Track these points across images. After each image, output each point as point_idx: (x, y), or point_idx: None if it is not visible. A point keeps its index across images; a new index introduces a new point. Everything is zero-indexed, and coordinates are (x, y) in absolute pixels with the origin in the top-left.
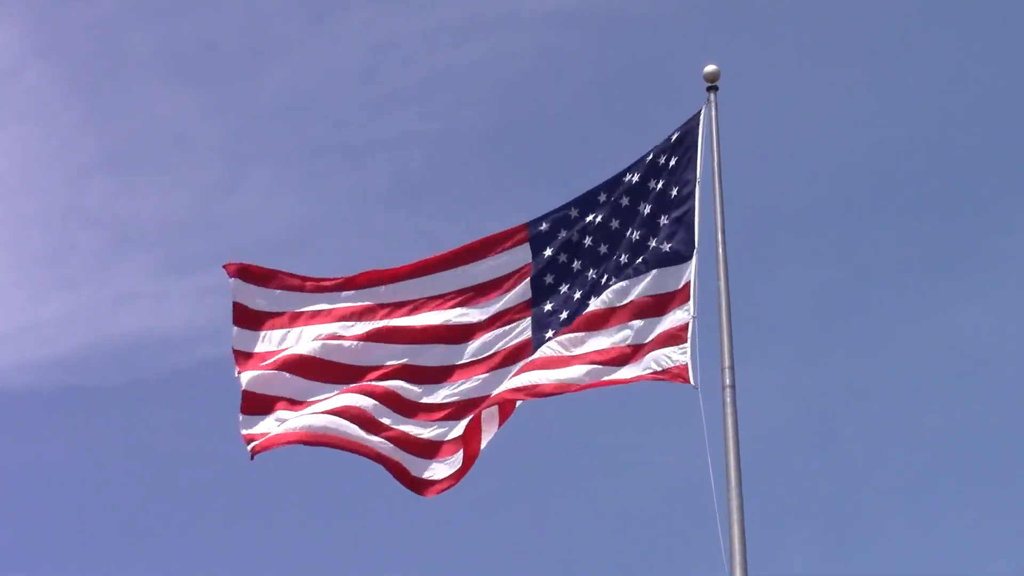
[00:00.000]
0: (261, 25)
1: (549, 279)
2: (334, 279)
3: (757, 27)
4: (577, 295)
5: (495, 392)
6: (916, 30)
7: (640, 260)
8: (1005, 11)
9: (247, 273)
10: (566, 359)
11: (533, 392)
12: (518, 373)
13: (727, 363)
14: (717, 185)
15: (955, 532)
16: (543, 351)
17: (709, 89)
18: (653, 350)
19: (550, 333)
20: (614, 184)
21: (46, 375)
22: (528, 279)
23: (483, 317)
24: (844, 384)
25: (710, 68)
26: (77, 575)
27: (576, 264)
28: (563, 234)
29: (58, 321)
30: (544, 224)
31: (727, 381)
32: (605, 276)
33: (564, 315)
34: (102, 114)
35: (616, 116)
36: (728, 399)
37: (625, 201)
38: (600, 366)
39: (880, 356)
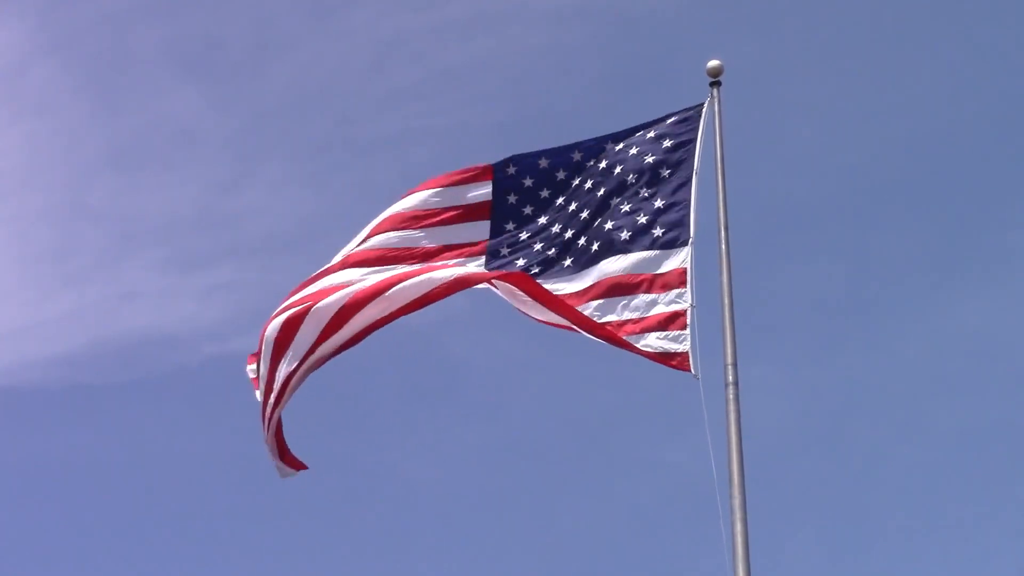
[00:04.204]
0: (267, 21)
1: (510, 225)
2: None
3: (763, 22)
4: (539, 246)
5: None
6: (921, 26)
7: (629, 236)
8: (1010, 6)
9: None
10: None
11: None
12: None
13: (730, 360)
14: (720, 180)
15: (962, 529)
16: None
17: (712, 84)
18: (650, 329)
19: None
20: (597, 149)
21: (51, 372)
22: (487, 220)
23: (434, 244)
24: (850, 381)
25: (713, 63)
26: (81, 572)
27: (542, 218)
28: (528, 181)
29: (63, 318)
30: (511, 167)
31: (730, 378)
32: (581, 236)
33: (521, 261)
34: (108, 111)
35: (623, 112)
36: (731, 396)
37: (617, 170)
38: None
39: (886, 352)
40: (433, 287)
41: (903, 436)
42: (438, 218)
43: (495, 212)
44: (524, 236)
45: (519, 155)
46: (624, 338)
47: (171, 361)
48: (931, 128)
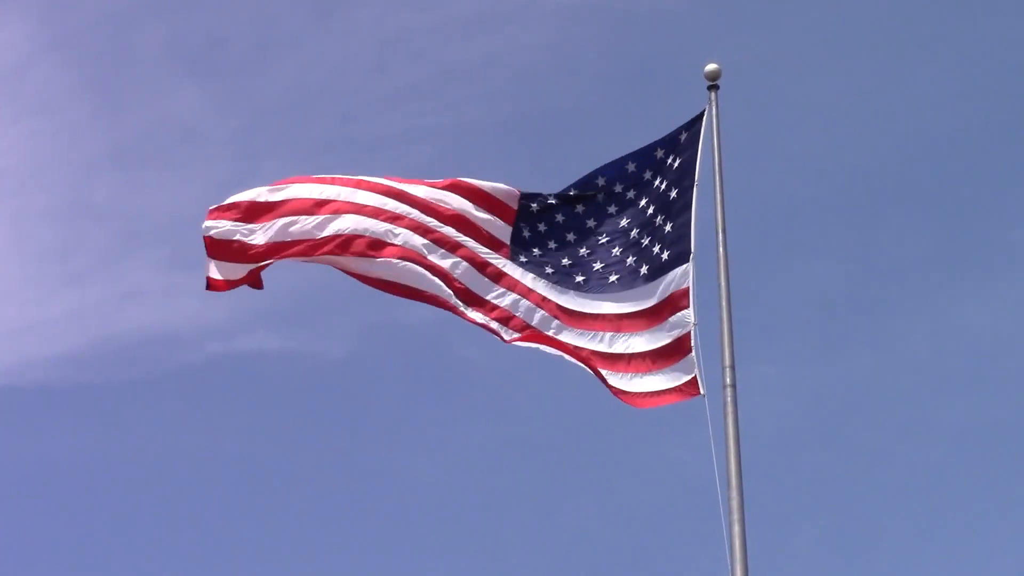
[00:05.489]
0: (270, 20)
1: (527, 232)
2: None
3: (765, 21)
4: (564, 260)
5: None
6: (923, 24)
7: (638, 262)
8: (1011, 4)
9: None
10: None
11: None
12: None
13: (727, 363)
14: (718, 184)
15: (964, 529)
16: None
17: (710, 88)
18: (658, 367)
19: (524, 257)
20: (615, 171)
21: (54, 372)
22: (511, 227)
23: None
24: (853, 380)
25: (711, 67)
26: (83, 572)
27: (565, 232)
28: (555, 201)
29: (66, 317)
30: (540, 197)
31: (727, 381)
32: (600, 263)
33: (548, 268)
34: (111, 109)
35: (627, 111)
36: (729, 398)
37: (631, 194)
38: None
39: (889, 352)
40: (434, 293)
41: (906, 435)
42: (464, 215)
43: (519, 216)
44: (552, 245)
45: (547, 193)
46: (631, 383)
47: (174, 360)
48: (934, 126)
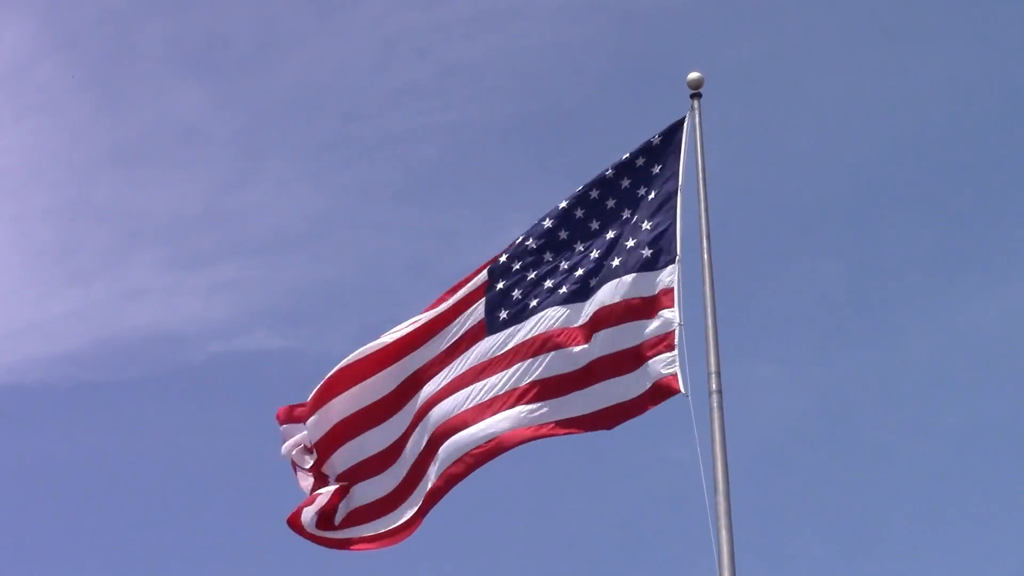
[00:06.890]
0: (272, 18)
1: (502, 284)
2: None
3: (767, 19)
4: (538, 280)
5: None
6: (922, 23)
7: (620, 262)
8: (1011, 4)
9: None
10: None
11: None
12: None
13: (713, 368)
14: (702, 192)
15: (966, 529)
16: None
17: (693, 96)
18: (639, 364)
19: (504, 313)
20: (583, 196)
21: (56, 371)
22: (483, 294)
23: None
24: (855, 379)
25: (693, 75)
26: (85, 570)
27: (544, 261)
28: (518, 264)
29: (68, 317)
30: (503, 256)
31: (713, 386)
32: (578, 269)
33: (518, 294)
34: (113, 108)
35: (631, 109)
36: (715, 404)
37: (611, 203)
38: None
39: (891, 350)
40: None
41: (906, 435)
42: (443, 324)
43: (491, 278)
44: (532, 275)
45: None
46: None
47: (176, 359)
48: (937, 125)
